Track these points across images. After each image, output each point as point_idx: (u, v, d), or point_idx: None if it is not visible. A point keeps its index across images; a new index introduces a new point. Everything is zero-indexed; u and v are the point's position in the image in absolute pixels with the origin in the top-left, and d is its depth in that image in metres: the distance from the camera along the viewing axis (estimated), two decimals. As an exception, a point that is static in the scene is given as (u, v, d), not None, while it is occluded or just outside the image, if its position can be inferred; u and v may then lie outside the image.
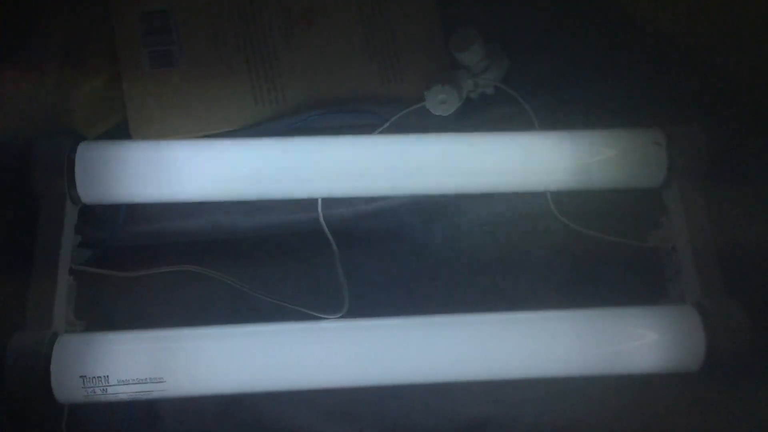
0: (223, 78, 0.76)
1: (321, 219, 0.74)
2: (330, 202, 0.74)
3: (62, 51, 0.74)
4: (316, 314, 0.68)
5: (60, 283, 0.65)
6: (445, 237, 0.76)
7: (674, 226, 0.71)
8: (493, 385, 0.67)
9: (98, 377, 0.61)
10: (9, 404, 0.61)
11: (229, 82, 0.76)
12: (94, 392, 0.61)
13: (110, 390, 0.61)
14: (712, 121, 0.74)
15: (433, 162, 0.70)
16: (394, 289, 0.73)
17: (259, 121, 0.76)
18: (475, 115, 0.78)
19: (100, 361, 0.61)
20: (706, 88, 0.78)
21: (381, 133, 0.75)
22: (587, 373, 0.65)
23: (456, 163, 0.71)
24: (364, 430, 0.69)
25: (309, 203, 0.74)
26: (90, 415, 0.67)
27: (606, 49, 0.81)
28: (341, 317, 0.68)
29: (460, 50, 0.74)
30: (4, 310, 0.65)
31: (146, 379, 0.61)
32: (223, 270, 0.70)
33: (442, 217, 0.76)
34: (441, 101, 0.75)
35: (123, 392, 0.61)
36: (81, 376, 0.61)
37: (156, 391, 0.62)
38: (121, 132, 0.74)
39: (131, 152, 0.68)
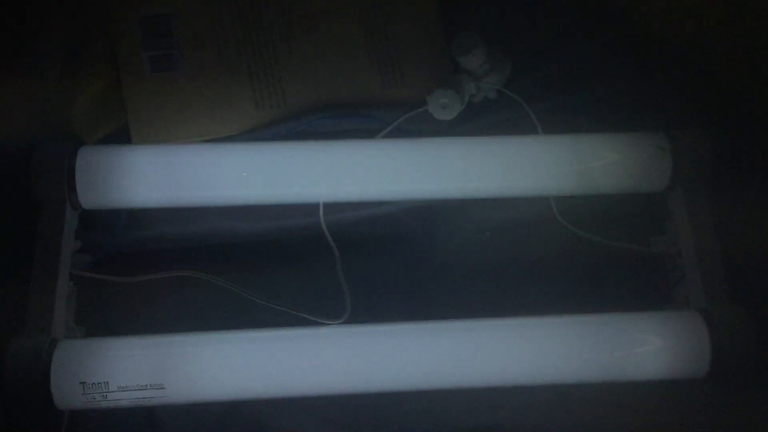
0: (224, 82, 0.75)
1: (322, 224, 0.73)
2: (331, 207, 0.74)
3: (62, 56, 0.74)
4: (317, 320, 0.68)
5: (60, 288, 0.65)
6: (448, 242, 0.76)
7: (679, 230, 0.71)
8: (496, 392, 0.66)
9: (98, 383, 0.61)
10: (8, 410, 0.61)
11: (230, 87, 0.75)
12: (94, 398, 0.61)
13: (110, 396, 0.61)
14: (717, 125, 0.74)
15: (435, 166, 0.70)
16: (396, 294, 0.73)
17: (260, 125, 0.75)
18: (478, 120, 0.78)
19: (100, 367, 0.61)
20: (710, 92, 0.78)
21: (383, 137, 0.75)
22: (591, 380, 0.64)
23: (458, 167, 0.70)
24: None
25: (310, 208, 0.73)
26: (90, 422, 0.66)
27: (609, 52, 0.81)
28: (343, 323, 0.68)
29: (463, 54, 0.74)
30: (4, 315, 0.65)
31: (146, 385, 0.61)
32: (224, 275, 0.70)
33: (445, 222, 0.76)
34: (443, 105, 0.75)
35: (123, 398, 0.61)
36: (81, 383, 0.61)
37: (156, 397, 0.61)
38: (122, 137, 0.74)
39: (132, 157, 0.68)
